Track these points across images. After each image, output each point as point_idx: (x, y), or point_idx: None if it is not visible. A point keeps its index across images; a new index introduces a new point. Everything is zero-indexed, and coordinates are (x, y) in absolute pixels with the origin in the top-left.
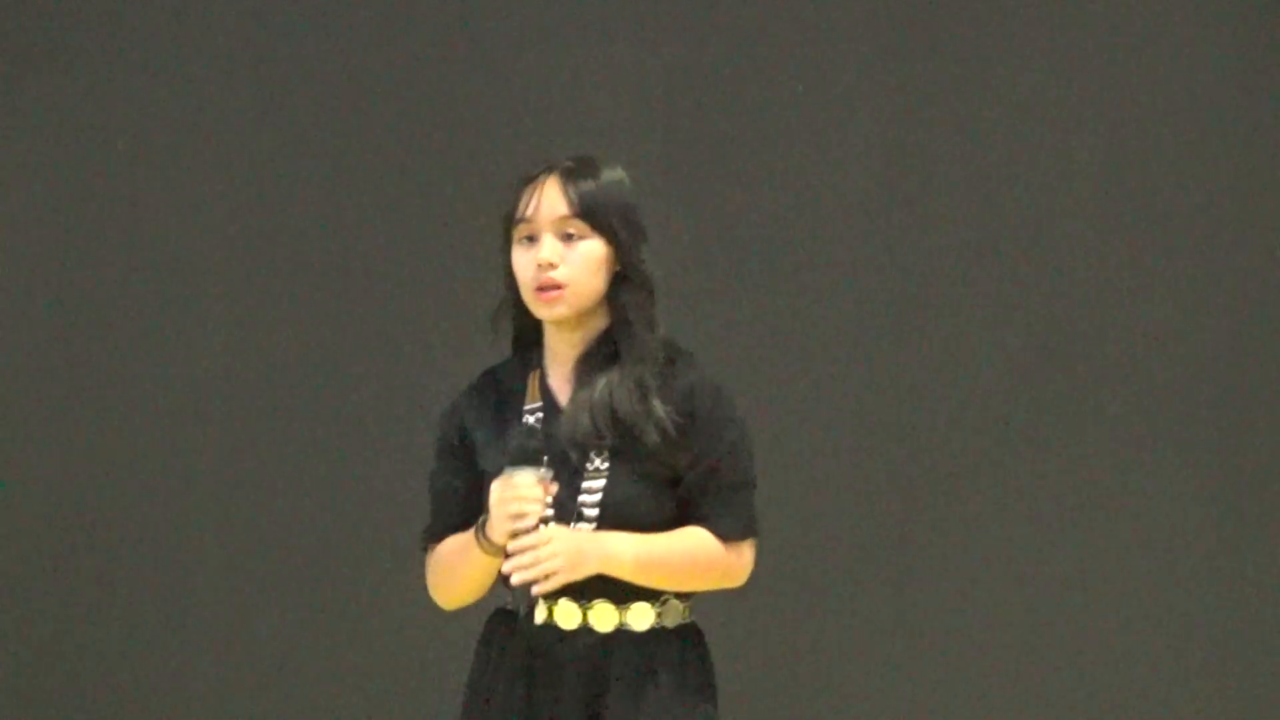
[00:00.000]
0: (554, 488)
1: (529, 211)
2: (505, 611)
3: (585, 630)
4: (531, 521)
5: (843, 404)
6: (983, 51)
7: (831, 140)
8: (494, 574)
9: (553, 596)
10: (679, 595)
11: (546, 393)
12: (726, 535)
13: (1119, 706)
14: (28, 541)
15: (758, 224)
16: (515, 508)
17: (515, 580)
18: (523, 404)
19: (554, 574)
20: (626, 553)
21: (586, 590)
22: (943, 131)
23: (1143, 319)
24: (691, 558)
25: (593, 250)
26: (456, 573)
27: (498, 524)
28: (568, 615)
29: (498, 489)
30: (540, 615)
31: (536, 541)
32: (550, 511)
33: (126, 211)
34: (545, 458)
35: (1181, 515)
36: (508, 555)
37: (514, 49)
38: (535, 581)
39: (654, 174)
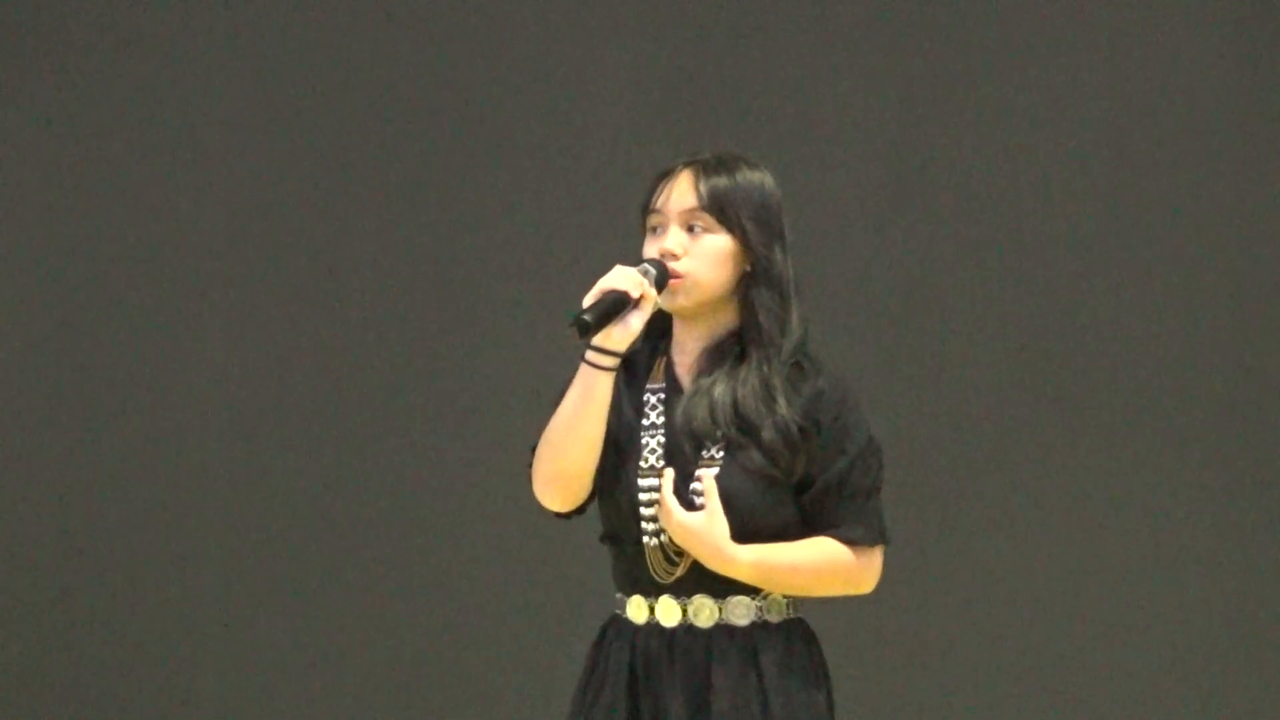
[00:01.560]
0: (652, 292)
1: (659, 202)
2: (619, 617)
3: (686, 628)
4: (625, 287)
5: None
6: (983, 51)
7: (831, 140)
8: (599, 402)
9: (653, 594)
10: None
11: (671, 376)
12: (856, 541)
13: (1119, 706)
14: (28, 541)
15: None
16: (613, 280)
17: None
18: (646, 383)
19: (667, 512)
20: (741, 558)
21: (684, 586)
22: (943, 131)
23: (1143, 319)
24: (815, 566)
25: (717, 244)
26: (562, 419)
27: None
28: (668, 612)
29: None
30: (642, 615)
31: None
32: (654, 495)
33: (126, 211)
34: (658, 442)
35: (1182, 515)
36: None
37: (514, 49)
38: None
39: (654, 174)
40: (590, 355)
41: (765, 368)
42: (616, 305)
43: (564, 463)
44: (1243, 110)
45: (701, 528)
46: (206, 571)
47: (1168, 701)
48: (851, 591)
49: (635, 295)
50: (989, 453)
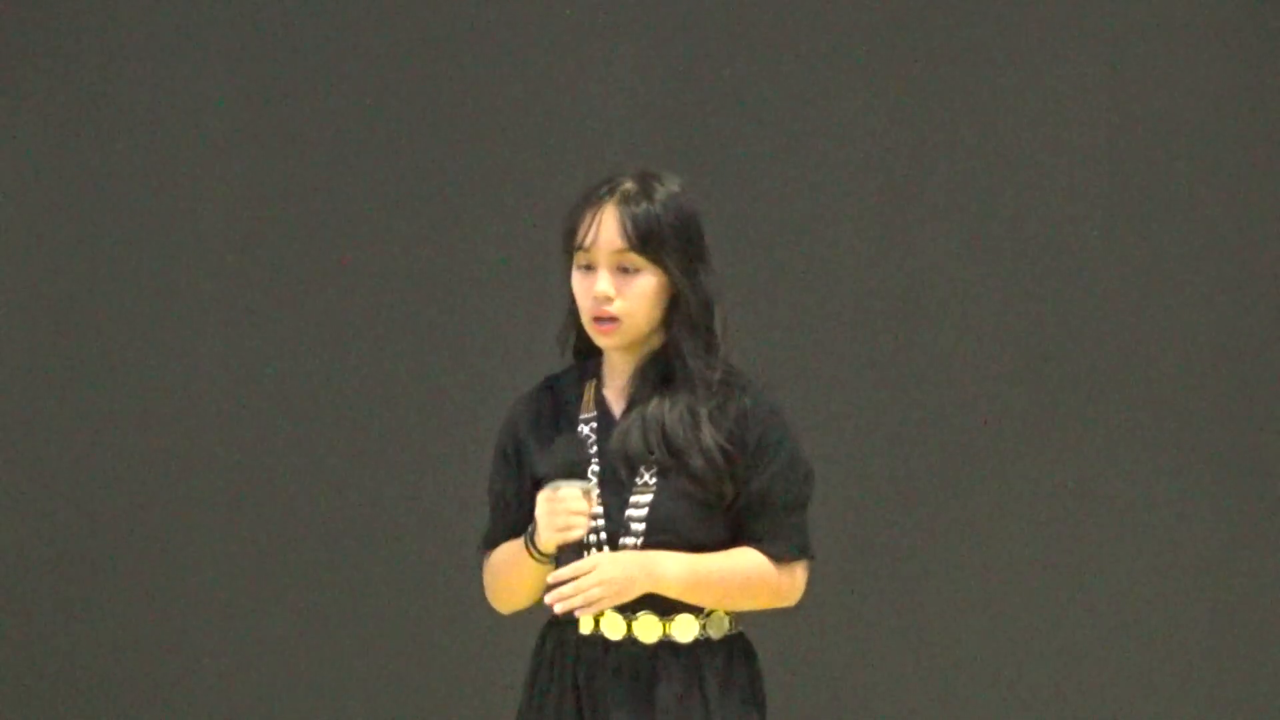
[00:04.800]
0: (598, 503)
1: (587, 241)
2: (557, 623)
3: (630, 641)
4: (577, 534)
5: (842, 404)
6: (983, 52)
7: (831, 140)
8: (545, 582)
9: None
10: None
11: (601, 404)
12: (779, 556)
13: (1119, 707)
14: (28, 541)
15: (757, 224)
16: (561, 521)
17: (558, 609)
18: (578, 413)
19: (598, 601)
20: (675, 572)
21: (630, 602)
22: (943, 132)
23: (1143, 319)
24: (744, 578)
25: (648, 284)
26: (510, 580)
27: (544, 535)
28: (613, 626)
29: (544, 501)
30: (587, 626)
31: (578, 571)
32: (596, 523)
33: (126, 211)
34: (592, 471)
35: (1182, 515)
36: (557, 563)
37: (514, 49)
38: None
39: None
40: (534, 554)
41: (689, 394)
42: (576, 549)
43: (510, 604)
44: (1243, 112)
45: (634, 578)
46: (206, 571)
47: (1168, 702)
48: (777, 604)
49: (593, 519)
50: (988, 453)
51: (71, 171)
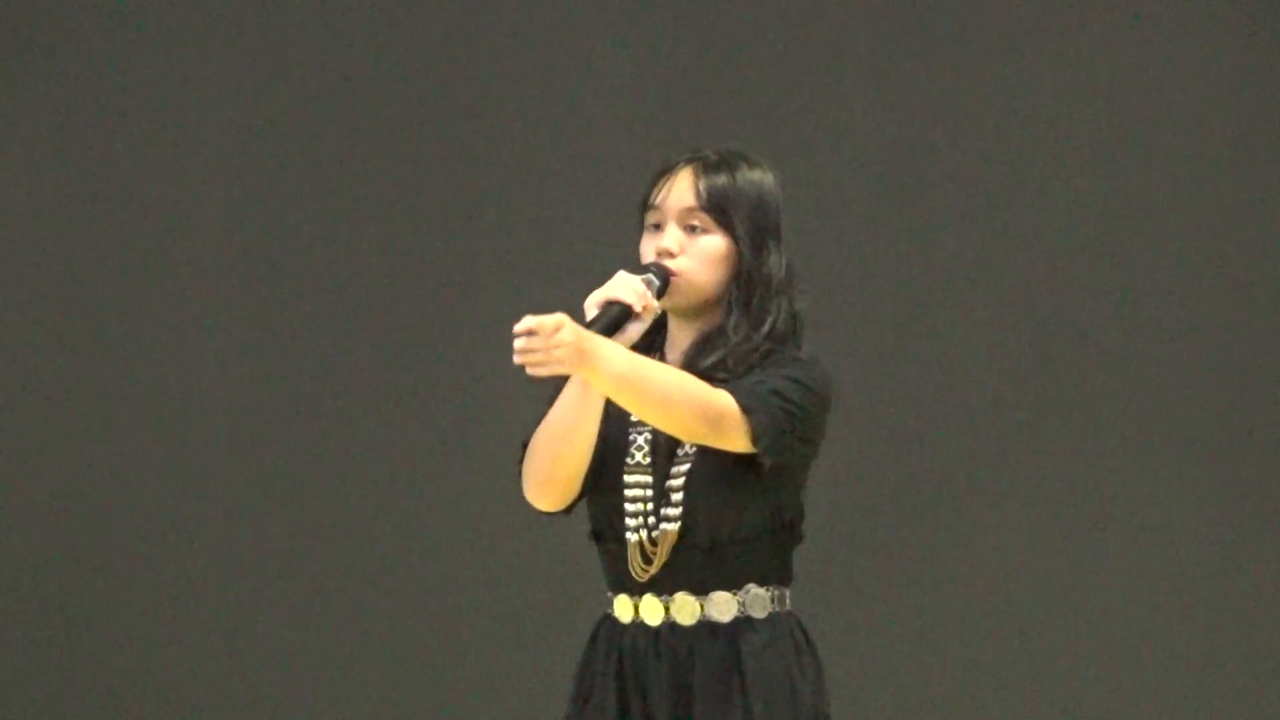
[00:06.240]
0: (654, 302)
1: (658, 199)
2: (609, 616)
3: (670, 626)
4: (628, 299)
5: (841, 405)
6: (982, 52)
7: (831, 140)
8: (594, 407)
9: (637, 593)
10: (762, 583)
11: None
12: (734, 392)
13: (1119, 707)
14: (27, 541)
15: None
16: (615, 290)
17: (517, 359)
18: None
19: (540, 362)
20: (616, 359)
21: (665, 584)
22: (942, 132)
23: (1143, 319)
24: (678, 383)
25: (713, 245)
26: (556, 423)
27: (593, 301)
28: (651, 610)
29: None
30: (627, 614)
31: (542, 323)
32: (646, 493)
33: (126, 211)
34: (645, 439)
35: (1182, 516)
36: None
37: (517, 50)
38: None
39: (653, 173)
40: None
41: (731, 360)
42: (619, 319)
43: (558, 465)
44: (1243, 112)
45: (584, 351)
46: (206, 571)
47: (1168, 702)
48: (698, 422)
49: (638, 308)
50: (988, 454)
51: (71, 171)
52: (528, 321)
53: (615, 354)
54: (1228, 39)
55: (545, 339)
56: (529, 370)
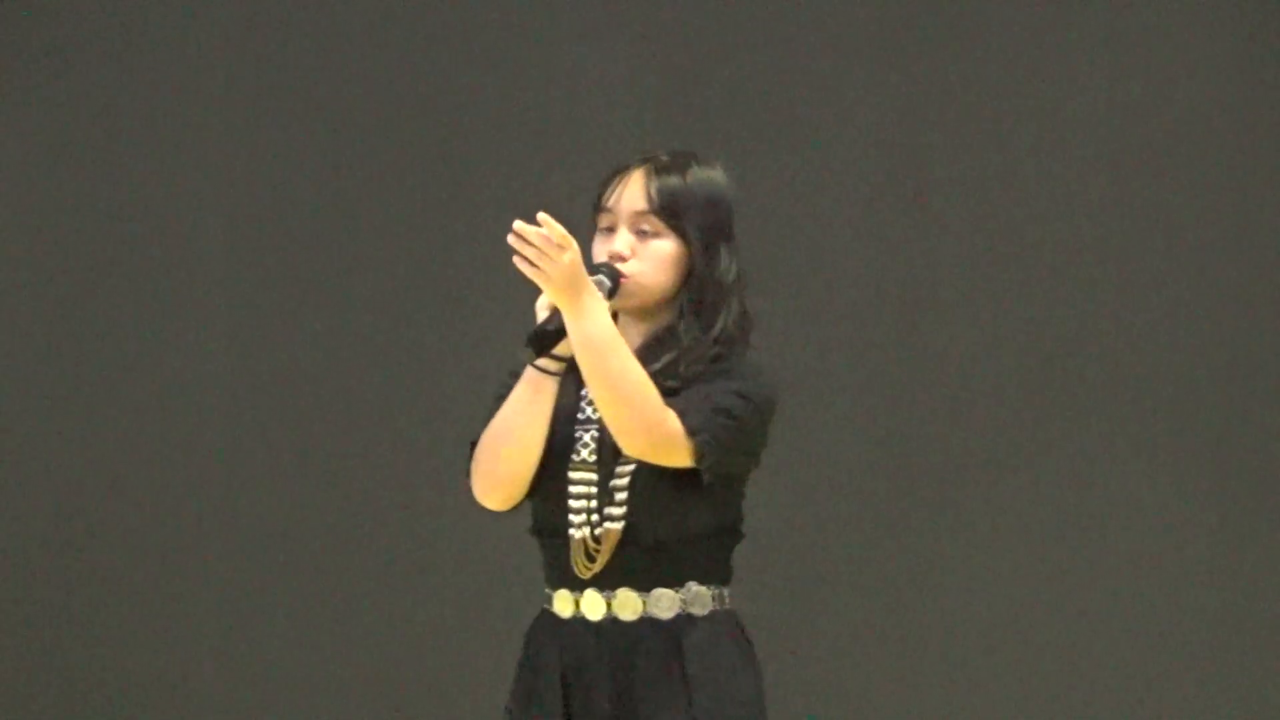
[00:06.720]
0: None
1: (610, 201)
2: (545, 613)
3: (612, 621)
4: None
5: (842, 405)
6: (983, 52)
7: (831, 141)
8: (545, 406)
9: (578, 588)
10: (704, 582)
11: None
12: (682, 412)
13: (1119, 707)
14: (28, 540)
15: (756, 225)
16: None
17: (512, 240)
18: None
19: (536, 268)
20: (601, 319)
21: (608, 580)
22: (943, 132)
23: (1143, 320)
24: (637, 387)
25: (664, 248)
26: (507, 423)
27: (543, 302)
28: (593, 605)
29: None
30: (567, 609)
31: (557, 234)
32: (590, 490)
33: (126, 212)
34: (591, 437)
35: (1182, 515)
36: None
37: (513, 49)
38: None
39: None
40: (539, 360)
41: (682, 366)
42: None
43: (507, 465)
44: (1243, 114)
45: (579, 284)
46: (206, 572)
47: (1168, 702)
48: (642, 440)
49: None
50: (988, 454)
51: (71, 171)
52: (548, 219)
53: (602, 315)
54: (1229, 39)
55: (549, 246)
56: (515, 260)
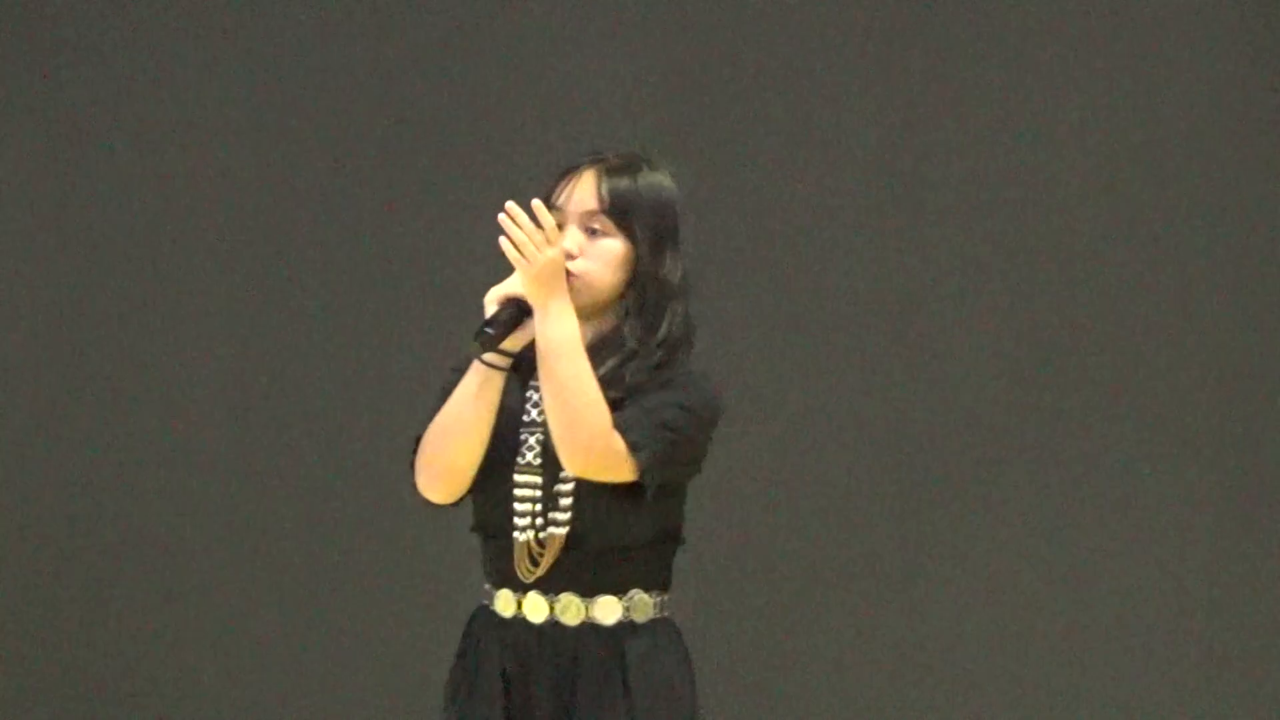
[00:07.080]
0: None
1: (560, 200)
2: (486, 609)
3: (553, 624)
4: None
5: (841, 406)
6: (983, 53)
7: (831, 141)
8: (490, 400)
9: (520, 589)
10: (647, 589)
11: None
12: (624, 428)
13: (1119, 708)
14: (27, 540)
15: (756, 225)
16: (515, 286)
17: (502, 220)
18: (531, 378)
19: (520, 255)
20: (570, 324)
21: (551, 584)
22: (942, 133)
23: (1142, 320)
24: (587, 398)
25: (612, 248)
26: (453, 415)
27: (492, 296)
28: (535, 608)
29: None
30: (509, 609)
31: (551, 233)
32: (535, 493)
33: (126, 212)
34: (536, 440)
35: (1182, 518)
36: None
37: (513, 49)
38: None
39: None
40: (485, 355)
41: (628, 374)
42: (519, 315)
43: (451, 457)
44: (1243, 114)
45: (555, 284)
46: (205, 572)
47: (1167, 702)
48: (581, 459)
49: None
50: (987, 454)
51: (71, 171)
52: (542, 210)
53: (569, 321)
54: (1228, 39)
55: (537, 235)
56: (500, 240)
